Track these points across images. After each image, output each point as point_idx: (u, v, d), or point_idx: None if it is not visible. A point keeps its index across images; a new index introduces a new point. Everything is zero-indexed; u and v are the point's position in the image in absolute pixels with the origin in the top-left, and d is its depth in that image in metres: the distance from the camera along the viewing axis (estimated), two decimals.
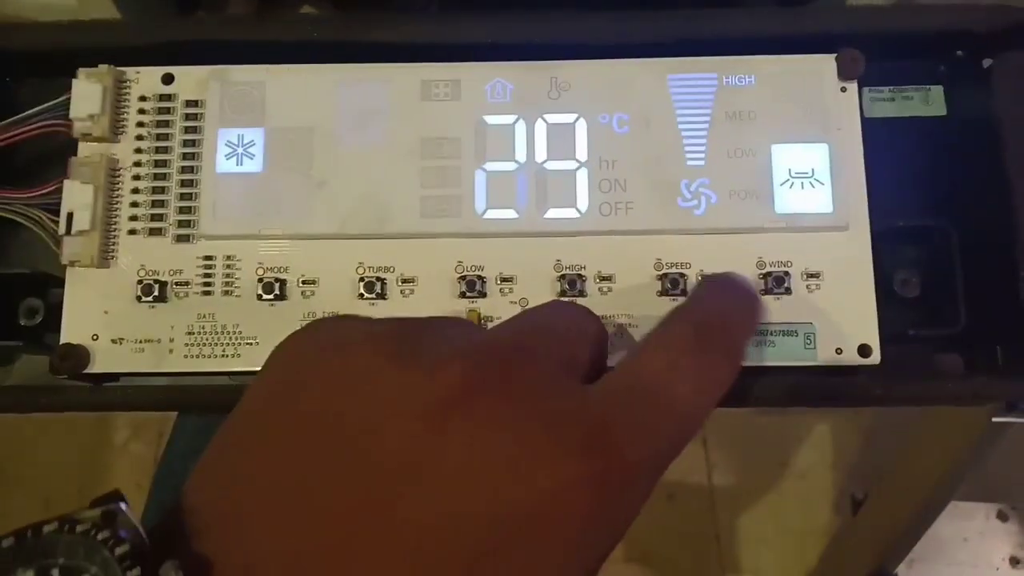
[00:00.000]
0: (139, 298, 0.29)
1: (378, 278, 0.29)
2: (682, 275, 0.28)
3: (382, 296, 0.29)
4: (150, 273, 0.29)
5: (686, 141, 0.29)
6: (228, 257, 0.29)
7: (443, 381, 0.18)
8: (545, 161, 0.29)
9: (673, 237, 0.29)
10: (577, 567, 0.18)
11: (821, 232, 0.28)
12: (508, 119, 0.29)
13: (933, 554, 0.73)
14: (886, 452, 0.79)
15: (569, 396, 0.19)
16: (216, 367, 0.28)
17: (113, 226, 0.29)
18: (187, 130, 0.30)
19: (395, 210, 0.29)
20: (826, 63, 0.29)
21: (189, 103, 0.30)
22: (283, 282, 0.29)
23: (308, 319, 0.28)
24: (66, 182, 0.29)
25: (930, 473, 0.61)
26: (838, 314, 0.28)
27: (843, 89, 0.29)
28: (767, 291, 0.28)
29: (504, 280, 0.29)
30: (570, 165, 0.29)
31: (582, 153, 0.29)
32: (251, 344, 0.28)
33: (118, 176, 0.29)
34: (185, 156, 0.30)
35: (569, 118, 0.29)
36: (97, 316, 0.29)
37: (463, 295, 0.28)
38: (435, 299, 0.29)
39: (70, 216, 0.28)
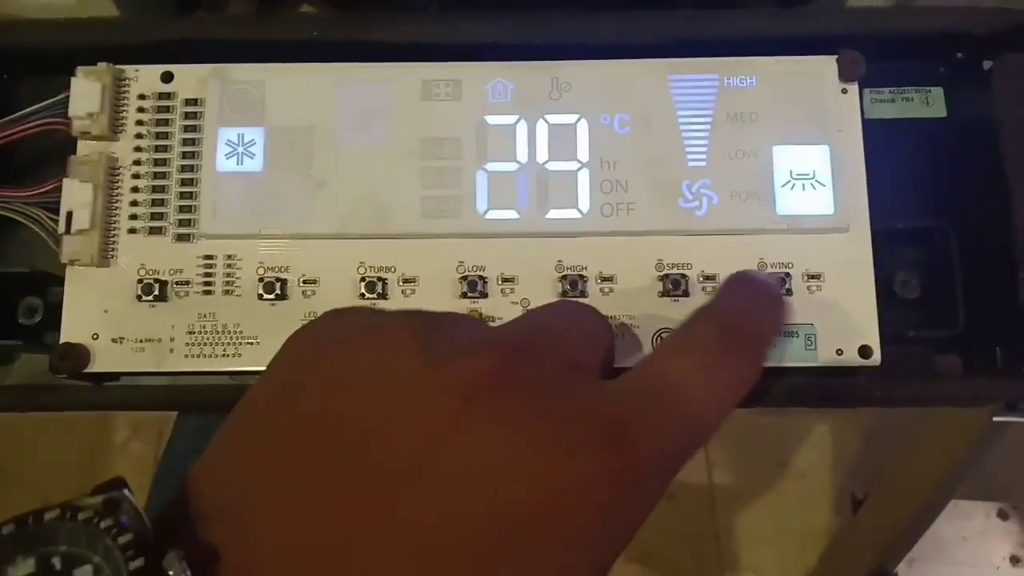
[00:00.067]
0: (139, 297, 0.28)
1: (379, 278, 0.29)
2: (683, 276, 0.28)
3: (383, 296, 0.28)
4: (150, 272, 0.29)
5: (687, 142, 0.29)
6: (229, 256, 0.29)
7: (455, 376, 0.18)
8: (546, 162, 0.29)
9: (674, 238, 0.29)
10: (588, 566, 0.17)
11: (822, 234, 0.29)
12: (509, 119, 0.29)
13: (933, 553, 0.73)
14: (886, 452, 0.79)
15: (583, 392, 0.19)
16: (217, 367, 0.28)
17: (113, 225, 0.29)
18: (187, 128, 0.30)
19: (396, 210, 0.29)
20: (827, 64, 0.29)
21: (189, 102, 0.30)
22: (284, 282, 0.29)
23: (309, 319, 0.28)
24: (65, 181, 0.29)
25: (930, 472, 0.61)
26: (839, 315, 0.28)
27: (844, 91, 0.29)
28: None
29: (505, 280, 0.29)
30: (571, 166, 0.29)
31: (583, 154, 0.29)
32: (252, 344, 0.28)
33: (118, 175, 0.29)
34: (185, 155, 0.29)
35: (570, 119, 0.29)
36: (97, 315, 0.28)
37: (464, 295, 0.28)
38: (436, 299, 0.28)
39: (69, 215, 0.28)
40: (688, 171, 0.29)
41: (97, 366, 0.28)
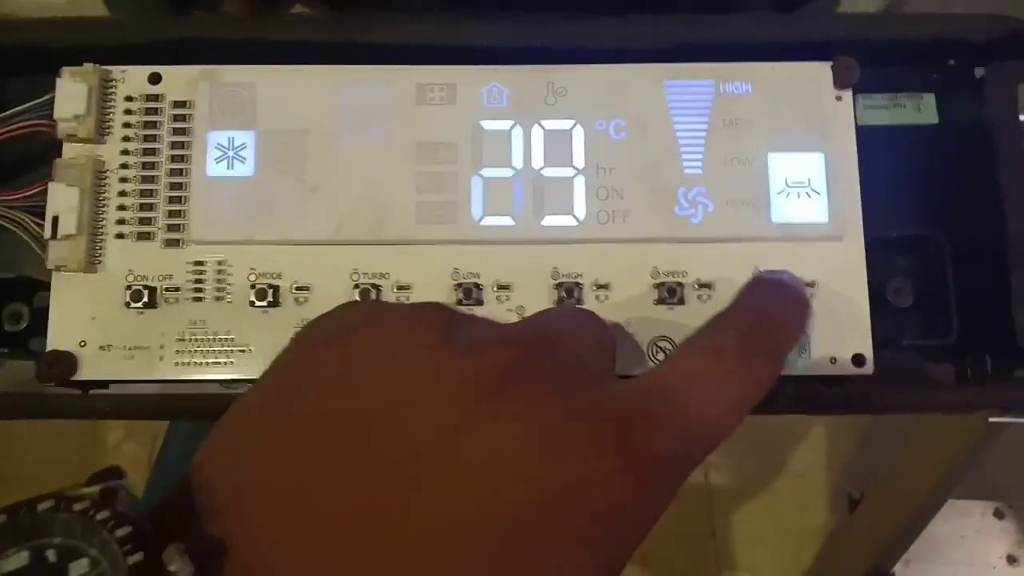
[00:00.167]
0: (128, 304, 0.28)
1: (373, 285, 0.28)
2: (679, 284, 0.28)
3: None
4: (139, 278, 0.28)
5: (683, 148, 0.29)
6: (219, 262, 0.28)
7: (472, 368, 0.18)
8: (542, 168, 0.29)
9: (670, 245, 0.29)
10: (598, 566, 0.17)
11: (816, 242, 0.29)
12: (505, 124, 0.29)
13: (930, 553, 0.73)
14: (883, 452, 0.79)
15: (596, 391, 0.19)
16: (208, 375, 0.28)
17: (100, 230, 0.28)
18: (176, 132, 0.29)
19: (390, 216, 0.29)
20: (822, 71, 0.29)
21: (177, 104, 0.29)
22: (276, 288, 0.28)
23: (302, 326, 0.28)
24: (51, 185, 0.28)
25: (926, 473, 0.61)
26: (832, 323, 0.28)
27: (838, 98, 0.29)
28: None
29: (501, 288, 0.28)
30: (567, 172, 0.29)
31: (579, 160, 0.29)
32: (244, 351, 0.28)
33: (104, 178, 0.29)
34: (174, 159, 0.29)
35: (566, 124, 0.29)
36: (85, 322, 0.28)
37: (460, 302, 0.28)
38: None
39: (55, 219, 0.28)
40: (684, 178, 0.29)
41: (85, 374, 0.28)
